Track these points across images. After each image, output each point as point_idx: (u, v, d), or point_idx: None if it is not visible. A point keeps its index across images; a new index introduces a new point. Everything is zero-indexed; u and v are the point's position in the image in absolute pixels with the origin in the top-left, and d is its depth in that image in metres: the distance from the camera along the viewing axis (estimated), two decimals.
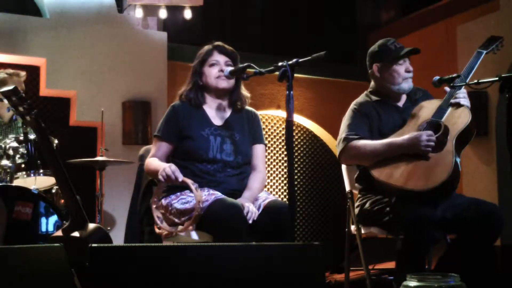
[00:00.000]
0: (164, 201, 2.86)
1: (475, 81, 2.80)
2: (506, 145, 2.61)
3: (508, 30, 5.06)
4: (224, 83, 2.97)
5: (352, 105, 3.17)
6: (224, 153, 2.91)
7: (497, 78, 2.66)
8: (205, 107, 3.02)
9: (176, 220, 2.78)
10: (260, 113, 6.36)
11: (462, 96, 3.02)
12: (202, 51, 3.04)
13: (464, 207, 2.86)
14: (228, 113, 3.05)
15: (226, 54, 3.01)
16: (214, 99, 3.03)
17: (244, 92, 3.07)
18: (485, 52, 3.14)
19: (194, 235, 2.76)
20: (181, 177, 2.70)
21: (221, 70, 2.96)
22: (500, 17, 5.31)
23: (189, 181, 2.69)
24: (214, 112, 3.02)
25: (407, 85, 3.14)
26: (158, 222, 2.79)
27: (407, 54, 3.11)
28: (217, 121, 3.00)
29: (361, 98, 3.22)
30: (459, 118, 2.98)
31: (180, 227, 2.74)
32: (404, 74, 3.12)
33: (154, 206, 2.82)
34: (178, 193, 2.86)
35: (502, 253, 4.50)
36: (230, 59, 3.00)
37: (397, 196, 2.82)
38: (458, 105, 3.01)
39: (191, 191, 2.71)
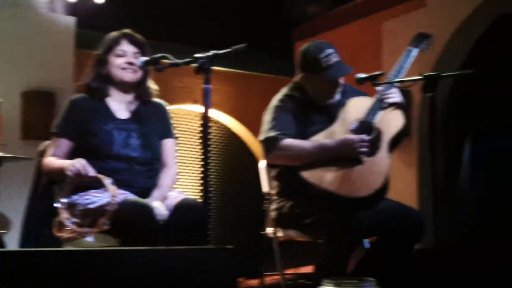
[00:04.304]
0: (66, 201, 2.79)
1: (399, 79, 2.89)
2: (428, 146, 2.71)
3: (435, 28, 5.23)
4: (131, 76, 2.94)
5: (276, 101, 3.16)
6: (130, 148, 2.88)
7: (420, 77, 2.75)
8: (108, 100, 2.98)
9: (80, 221, 2.72)
10: (175, 107, 6.35)
11: (395, 96, 3.05)
12: (109, 38, 2.99)
13: (387, 213, 2.93)
14: (134, 106, 3.01)
15: (136, 44, 2.98)
16: (118, 91, 2.99)
17: (152, 84, 3.05)
18: (415, 50, 3.19)
19: (97, 239, 2.71)
20: (92, 172, 2.67)
21: (129, 62, 2.93)
22: (427, 14, 5.50)
23: (101, 176, 2.66)
24: (119, 105, 2.98)
25: (333, 100, 3.14)
26: (68, 223, 2.72)
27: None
28: (121, 114, 2.96)
29: (284, 93, 3.20)
30: (392, 121, 3.04)
31: (88, 229, 2.67)
32: (331, 92, 3.14)
33: (61, 206, 2.75)
34: (82, 193, 2.80)
35: (421, 257, 4.68)
36: (139, 49, 2.97)
37: (327, 200, 2.86)
38: (390, 106, 3.06)
39: (103, 187, 2.67)
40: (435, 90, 2.70)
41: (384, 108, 3.04)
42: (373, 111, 3.04)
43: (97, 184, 2.76)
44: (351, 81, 3.16)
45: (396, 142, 3.07)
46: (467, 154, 5.27)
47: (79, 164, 2.67)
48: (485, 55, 5.22)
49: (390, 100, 3.04)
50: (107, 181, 2.64)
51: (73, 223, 2.73)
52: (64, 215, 2.73)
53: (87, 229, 2.68)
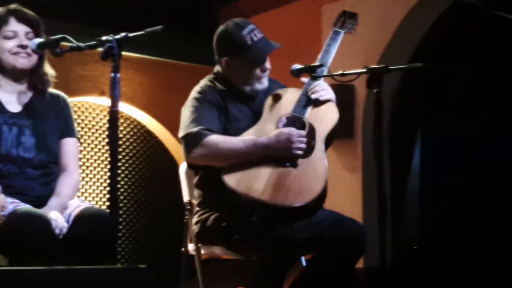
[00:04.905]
0: None
1: (340, 72, 2.93)
2: (374, 149, 2.75)
3: (382, 14, 5.36)
4: (24, 62, 2.92)
5: (195, 93, 3.17)
6: (22, 147, 2.86)
7: (365, 70, 2.80)
8: None
9: None
10: (79, 99, 6.25)
11: (321, 89, 3.12)
12: None
13: (325, 225, 2.98)
14: (28, 97, 2.99)
15: (27, 22, 2.95)
16: (8, 80, 2.97)
17: (49, 70, 3.03)
18: (343, 31, 3.28)
19: None
20: None
21: (21, 45, 2.90)
22: None
23: None
24: (9, 95, 2.96)
25: (262, 86, 3.19)
26: None
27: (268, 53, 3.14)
28: (12, 107, 2.94)
29: (204, 84, 3.22)
30: (325, 115, 3.09)
31: None
32: (259, 74, 3.17)
33: None
34: None
35: (365, 275, 4.78)
36: (32, 29, 2.95)
37: (258, 212, 2.87)
38: (320, 99, 3.12)
39: None
40: (381, 85, 2.76)
41: (313, 101, 3.10)
42: (301, 104, 3.10)
43: None
44: (284, 75, 3.19)
45: (330, 140, 3.12)
46: (417, 157, 5.42)
47: None
48: (437, 46, 5.36)
49: (317, 95, 3.10)
50: None
51: None
52: None
53: None
